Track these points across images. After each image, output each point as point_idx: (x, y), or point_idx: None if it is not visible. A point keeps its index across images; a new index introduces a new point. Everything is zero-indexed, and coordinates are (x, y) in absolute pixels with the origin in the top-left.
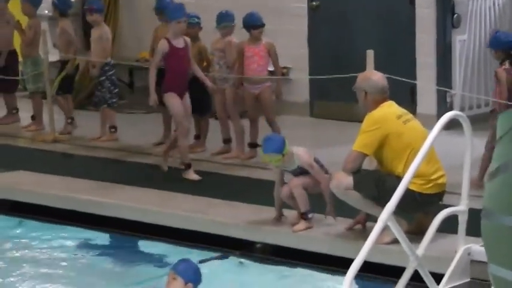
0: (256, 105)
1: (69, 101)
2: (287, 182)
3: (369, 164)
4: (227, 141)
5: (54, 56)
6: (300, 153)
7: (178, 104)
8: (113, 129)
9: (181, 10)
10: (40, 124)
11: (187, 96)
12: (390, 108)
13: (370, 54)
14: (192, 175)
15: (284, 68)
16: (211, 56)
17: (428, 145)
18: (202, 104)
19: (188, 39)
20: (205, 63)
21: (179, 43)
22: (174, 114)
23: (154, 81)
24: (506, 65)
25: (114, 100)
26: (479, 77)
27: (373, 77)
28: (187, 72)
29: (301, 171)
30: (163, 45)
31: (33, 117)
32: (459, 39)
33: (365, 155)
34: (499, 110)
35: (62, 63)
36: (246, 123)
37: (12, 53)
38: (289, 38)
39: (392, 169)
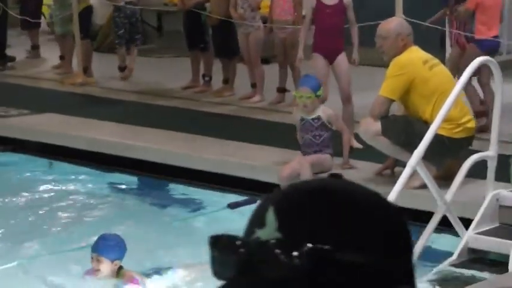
0: (284, 50)
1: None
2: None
3: (397, 110)
4: (255, 85)
5: None
6: (325, 108)
7: (321, 67)
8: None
9: None
10: (69, 66)
11: (340, 58)
12: (416, 53)
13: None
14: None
15: None
16: None
17: (459, 90)
18: (228, 48)
19: None
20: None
21: (329, 0)
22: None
23: (303, 39)
24: None
25: (117, 41)
26: (510, 22)
27: (403, 21)
28: (337, 32)
29: (316, 128)
30: None
31: (61, 58)
32: None
33: (391, 100)
34: None
35: None
36: (276, 67)
37: None
38: None
39: (420, 114)
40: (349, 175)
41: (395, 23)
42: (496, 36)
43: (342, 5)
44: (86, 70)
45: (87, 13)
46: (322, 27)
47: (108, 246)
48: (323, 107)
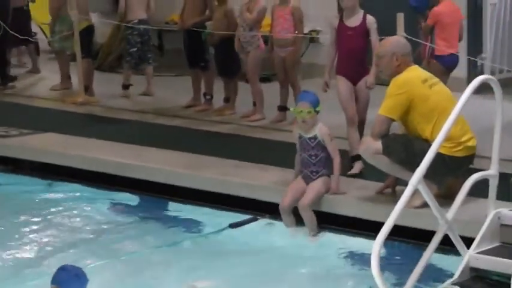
0: (284, 69)
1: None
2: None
3: (398, 129)
4: (256, 103)
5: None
6: (322, 126)
7: (342, 89)
8: (125, 88)
9: None
10: (66, 82)
11: (363, 82)
12: (415, 72)
13: (400, 17)
14: (356, 168)
15: (313, 31)
16: (238, 18)
17: (459, 108)
18: (230, 66)
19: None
20: (233, 27)
21: (351, 22)
22: (339, 100)
23: (331, 62)
24: None
25: (127, 59)
26: (510, 41)
27: (401, 40)
28: (359, 54)
29: (313, 147)
30: (332, 20)
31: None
32: (490, 3)
33: (391, 119)
34: None
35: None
36: (277, 86)
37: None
38: (321, 1)
39: (420, 133)
40: (351, 193)
41: (392, 42)
42: (453, 54)
43: (364, 27)
44: (87, 89)
45: (88, 32)
46: (344, 49)
47: (69, 277)
48: (321, 124)
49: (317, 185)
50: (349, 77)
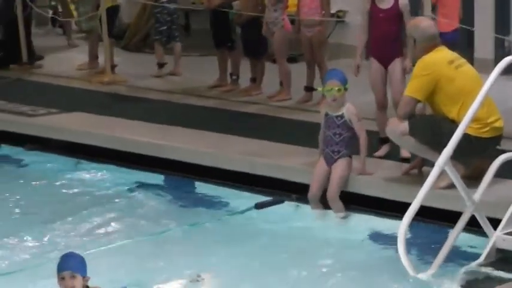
0: (311, 49)
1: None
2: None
3: (420, 109)
4: (282, 83)
5: None
6: (350, 106)
7: (373, 71)
8: (161, 66)
9: None
10: (93, 62)
11: (395, 65)
12: (441, 53)
13: None
14: (382, 151)
15: (340, 11)
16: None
17: (486, 89)
18: (257, 47)
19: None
20: (260, 8)
21: (384, 4)
22: (370, 83)
23: (362, 46)
24: None
25: (157, 37)
26: None
27: (421, 24)
28: (392, 37)
29: (339, 125)
30: (364, 2)
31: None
32: None
33: (417, 100)
34: None
35: None
36: (303, 66)
37: None
38: None
39: (446, 114)
40: (377, 174)
41: (410, 27)
42: (456, 30)
43: (397, 10)
44: (113, 68)
45: (113, 12)
46: (376, 31)
47: (79, 263)
48: (349, 104)
49: (340, 169)
50: (381, 59)
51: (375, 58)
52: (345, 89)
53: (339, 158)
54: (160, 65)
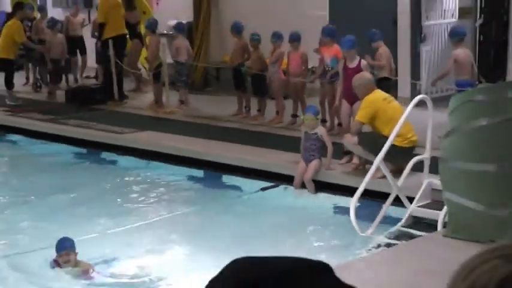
0: (296, 91)
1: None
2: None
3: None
4: (278, 112)
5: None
6: (321, 127)
7: (344, 109)
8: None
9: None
10: (161, 105)
11: (357, 104)
12: (378, 94)
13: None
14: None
15: (313, 67)
16: (267, 59)
17: (405, 115)
18: (261, 90)
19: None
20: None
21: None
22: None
23: (339, 91)
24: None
25: (179, 84)
26: (437, 73)
27: (365, 75)
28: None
29: (313, 139)
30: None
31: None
32: (425, 50)
33: (363, 123)
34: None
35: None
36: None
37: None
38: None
39: (381, 132)
40: (337, 171)
41: (361, 77)
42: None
43: (359, 67)
44: (182, 103)
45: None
46: (347, 82)
47: (72, 243)
48: (320, 126)
49: (313, 164)
50: (349, 100)
51: (345, 99)
52: (317, 118)
53: (313, 159)
54: (182, 102)
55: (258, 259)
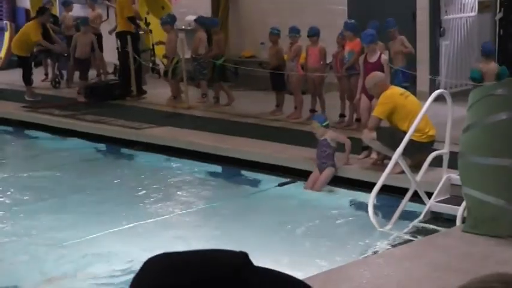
0: (314, 86)
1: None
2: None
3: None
4: (296, 108)
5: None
6: (332, 133)
7: (363, 102)
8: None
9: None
10: (178, 98)
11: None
12: (395, 89)
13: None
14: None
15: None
16: (285, 55)
17: (424, 110)
18: (279, 85)
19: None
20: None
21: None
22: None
23: (360, 87)
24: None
25: (201, 77)
26: (457, 67)
27: (376, 74)
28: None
29: (324, 145)
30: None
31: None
32: (444, 44)
33: (381, 119)
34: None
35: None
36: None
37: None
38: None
39: (400, 127)
40: (355, 166)
41: (373, 77)
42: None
43: (379, 62)
44: (203, 96)
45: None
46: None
47: None
48: (330, 131)
49: (324, 176)
50: (368, 95)
51: (364, 94)
52: (324, 126)
53: (325, 167)
54: (204, 95)
55: (177, 260)
